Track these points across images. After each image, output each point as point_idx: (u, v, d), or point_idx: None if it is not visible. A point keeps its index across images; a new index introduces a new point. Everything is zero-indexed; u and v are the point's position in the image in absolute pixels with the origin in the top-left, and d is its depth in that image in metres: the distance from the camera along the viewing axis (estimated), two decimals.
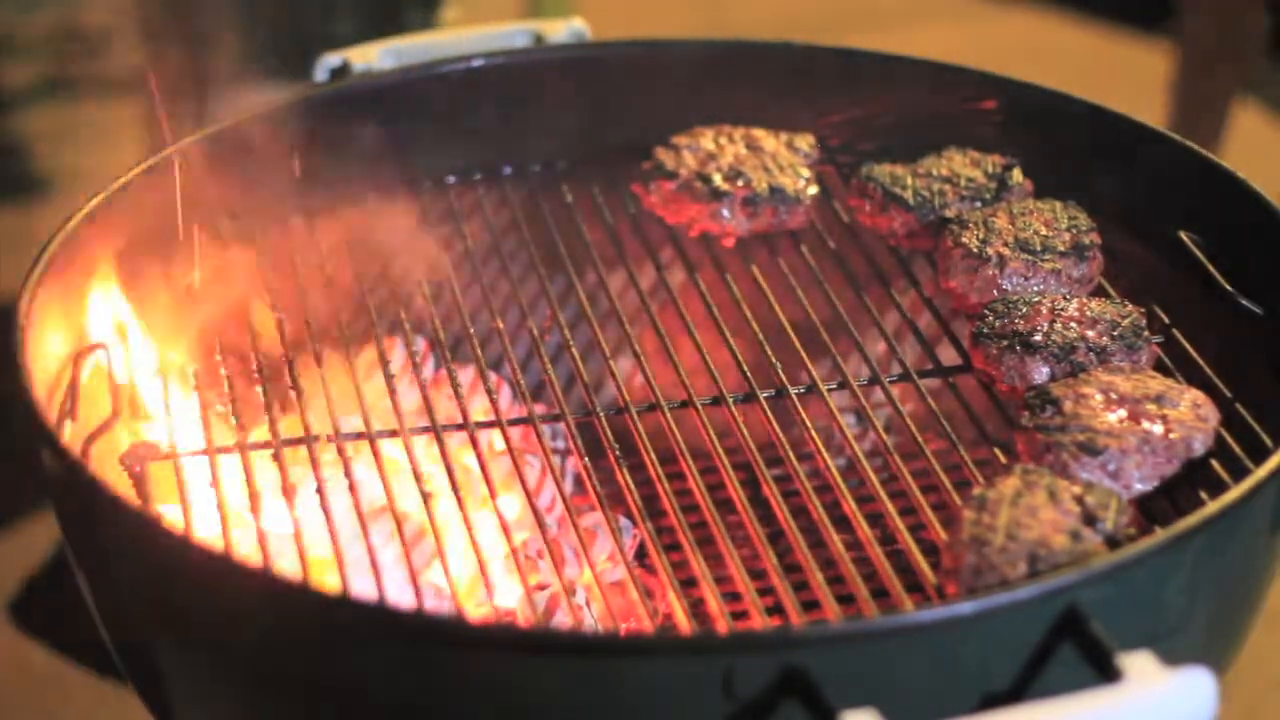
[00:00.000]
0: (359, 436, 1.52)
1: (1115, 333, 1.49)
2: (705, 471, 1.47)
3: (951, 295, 1.59)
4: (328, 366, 1.60)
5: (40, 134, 3.26)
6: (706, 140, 1.75)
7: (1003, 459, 1.44)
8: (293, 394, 1.56)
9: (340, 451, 1.49)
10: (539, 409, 1.56)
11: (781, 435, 1.49)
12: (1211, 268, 1.58)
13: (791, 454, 1.47)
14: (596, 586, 1.46)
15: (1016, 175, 1.69)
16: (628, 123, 1.86)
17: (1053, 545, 1.27)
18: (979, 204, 1.66)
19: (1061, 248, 1.58)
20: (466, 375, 1.73)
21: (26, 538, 2.36)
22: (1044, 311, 1.51)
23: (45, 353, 1.51)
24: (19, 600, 2.34)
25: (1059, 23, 3.93)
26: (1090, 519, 1.29)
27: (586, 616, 1.51)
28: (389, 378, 1.57)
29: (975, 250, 1.57)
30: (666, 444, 1.50)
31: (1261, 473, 1.31)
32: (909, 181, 1.68)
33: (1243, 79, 3.14)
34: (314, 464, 1.47)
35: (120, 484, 1.44)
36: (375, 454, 1.50)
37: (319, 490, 1.45)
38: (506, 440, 1.53)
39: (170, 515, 1.49)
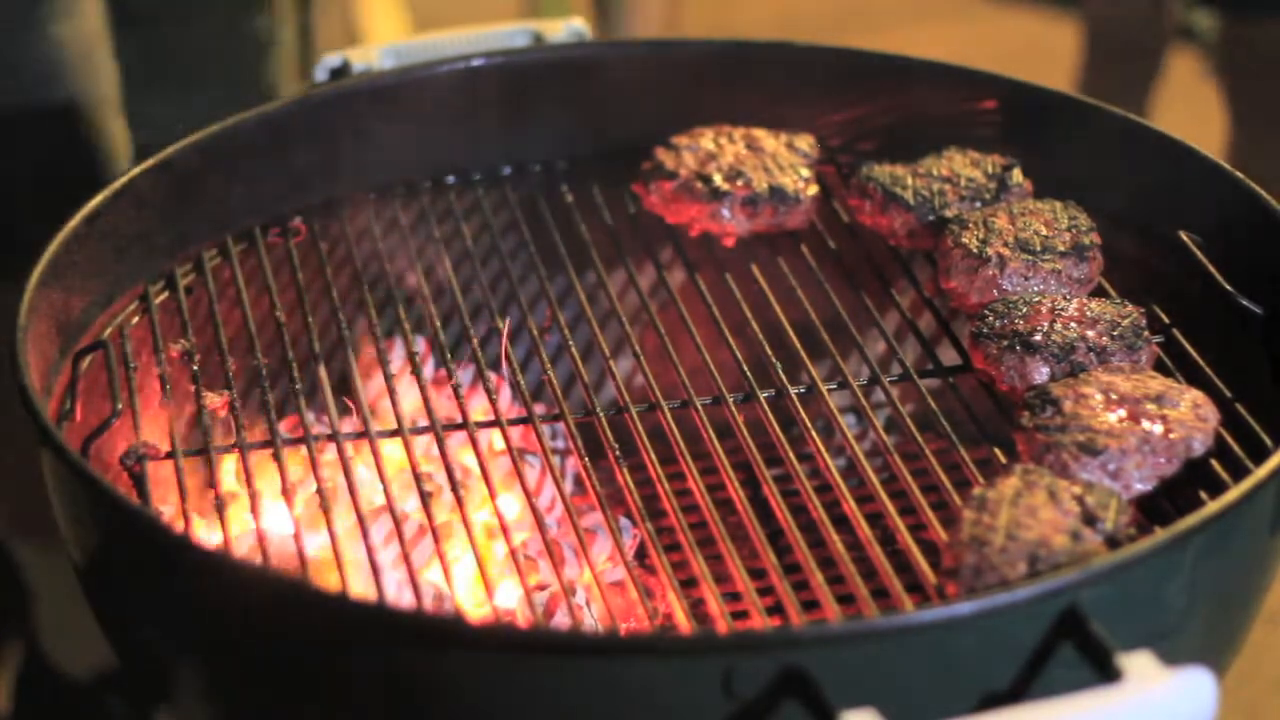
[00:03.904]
0: (359, 436, 1.52)
1: (1115, 333, 1.49)
2: (705, 471, 1.47)
3: (951, 295, 1.59)
4: (328, 366, 1.61)
5: None
6: (706, 140, 1.75)
7: (1003, 459, 1.44)
8: (293, 394, 1.56)
9: (340, 451, 1.49)
10: (539, 409, 1.56)
11: (781, 435, 1.49)
12: (1211, 268, 1.58)
13: (791, 454, 1.47)
14: (596, 586, 1.46)
15: (1016, 175, 1.69)
16: (628, 123, 1.86)
17: (1053, 545, 1.27)
18: (979, 204, 1.66)
19: (1061, 248, 1.58)
20: (466, 375, 1.73)
21: (27, 538, 2.36)
22: (1044, 311, 1.51)
23: (45, 352, 1.52)
24: (20, 599, 2.34)
25: (1059, 23, 3.93)
26: (1090, 519, 1.29)
27: (586, 616, 1.51)
28: (389, 378, 1.57)
29: (975, 250, 1.57)
30: (666, 444, 1.50)
31: (1261, 473, 1.31)
32: (909, 181, 1.68)
33: (1154, 72, 3.19)
34: (314, 464, 1.47)
35: (120, 484, 1.44)
36: (375, 454, 1.50)
37: (319, 490, 1.45)
38: (506, 440, 1.53)
39: (170, 515, 1.49)
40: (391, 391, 1.56)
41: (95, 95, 2.14)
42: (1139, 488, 1.37)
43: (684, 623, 1.40)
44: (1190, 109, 3.26)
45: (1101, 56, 3.26)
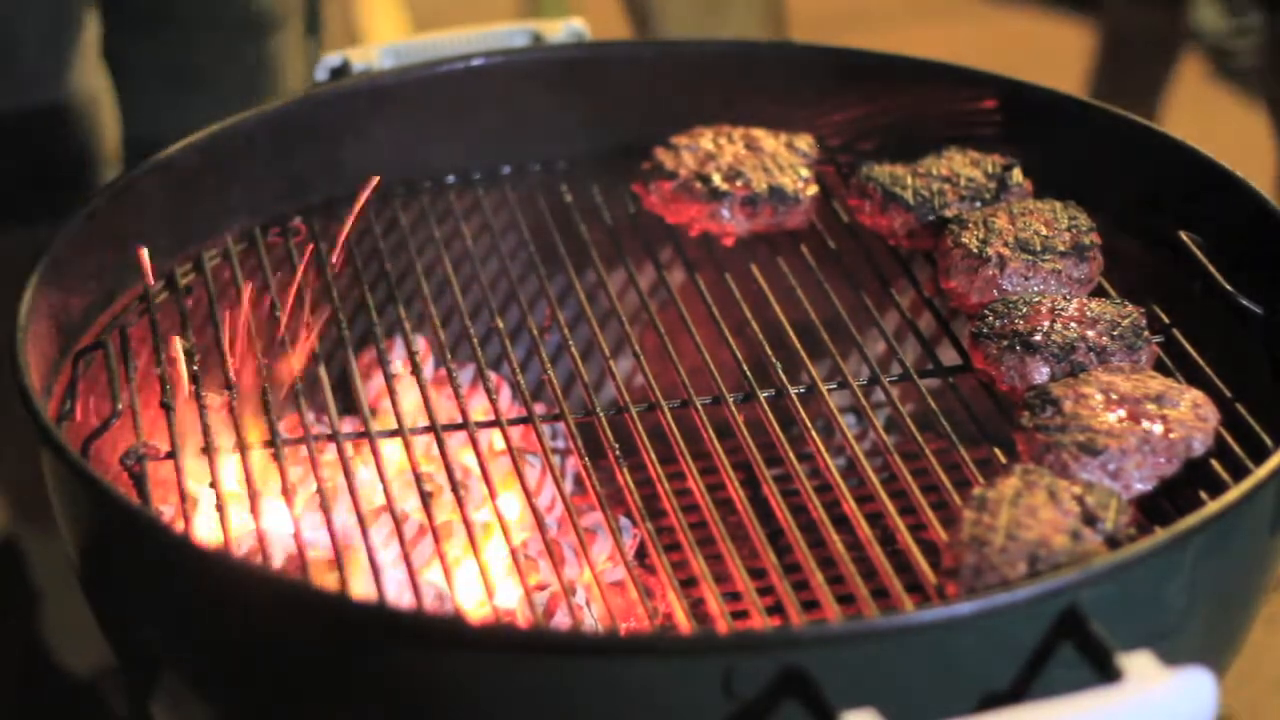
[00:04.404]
0: (359, 436, 1.52)
1: (1115, 333, 1.49)
2: (705, 471, 1.47)
3: (951, 295, 1.59)
4: (328, 366, 1.60)
5: None
6: (706, 140, 1.75)
7: (1003, 459, 1.44)
8: (293, 394, 1.56)
9: (340, 451, 1.49)
10: (539, 409, 1.56)
11: (781, 435, 1.49)
12: (1211, 268, 1.58)
13: (791, 454, 1.47)
14: (596, 586, 1.46)
15: (1016, 175, 1.69)
16: (628, 123, 1.86)
17: (1053, 545, 1.27)
18: (979, 204, 1.66)
19: (1061, 248, 1.58)
20: (466, 375, 1.73)
21: (32, 529, 2.36)
22: (1044, 311, 1.51)
23: (45, 352, 1.51)
24: (26, 593, 2.34)
25: (1059, 23, 3.94)
26: (1090, 519, 1.29)
27: (586, 616, 1.51)
28: (389, 378, 1.57)
29: (975, 250, 1.57)
30: (666, 444, 1.50)
31: (1261, 473, 1.31)
32: (909, 181, 1.68)
33: (1168, 77, 3.18)
34: (314, 464, 1.47)
35: (120, 484, 1.44)
36: (375, 454, 1.50)
37: (319, 490, 1.45)
38: (506, 440, 1.53)
39: (170, 515, 1.49)
40: (391, 391, 1.56)
41: (86, 95, 2.14)
42: (1139, 488, 1.37)
43: (684, 623, 1.40)
44: (1197, 110, 3.26)
45: (1117, 60, 3.24)
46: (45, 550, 2.32)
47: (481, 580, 1.40)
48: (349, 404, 1.65)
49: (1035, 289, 1.56)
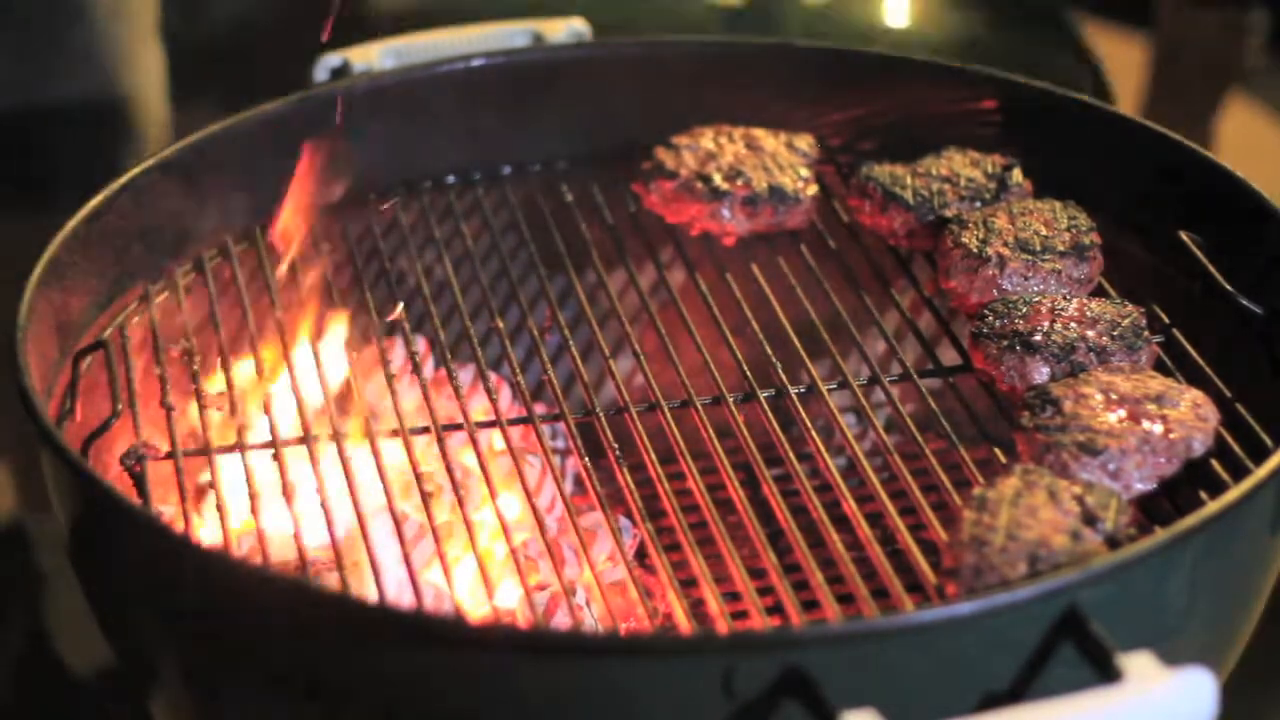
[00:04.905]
0: (359, 436, 1.52)
1: (1115, 333, 1.49)
2: (705, 471, 1.47)
3: (951, 295, 1.59)
4: (327, 366, 1.60)
5: None
6: (706, 140, 1.75)
7: (1003, 459, 1.44)
8: (293, 394, 1.56)
9: (340, 452, 1.49)
10: (539, 409, 1.56)
11: (781, 435, 1.49)
12: (1211, 268, 1.58)
13: (791, 454, 1.47)
14: (596, 586, 1.46)
15: (1016, 175, 1.69)
16: (628, 123, 1.86)
17: (1053, 545, 1.27)
18: (979, 204, 1.66)
19: (1061, 248, 1.58)
20: (466, 375, 1.73)
21: (31, 528, 2.36)
22: (1044, 311, 1.51)
23: (45, 352, 1.51)
24: (22, 593, 2.34)
25: None
26: (1090, 519, 1.29)
27: (586, 616, 1.51)
28: (389, 378, 1.57)
29: (975, 250, 1.57)
30: (666, 444, 1.50)
31: (1261, 473, 1.31)
32: (909, 181, 1.68)
33: (1221, 97, 3.16)
34: (314, 464, 1.47)
35: (120, 484, 1.44)
36: (375, 454, 1.50)
37: (319, 490, 1.45)
38: (506, 440, 1.53)
39: (170, 515, 1.49)
40: (392, 391, 1.56)
41: (140, 90, 2.15)
42: (1139, 488, 1.37)
43: (684, 623, 1.40)
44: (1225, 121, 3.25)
45: (1170, 80, 3.20)
46: (48, 542, 2.33)
47: (481, 580, 1.40)
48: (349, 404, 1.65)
49: (1035, 289, 1.56)
